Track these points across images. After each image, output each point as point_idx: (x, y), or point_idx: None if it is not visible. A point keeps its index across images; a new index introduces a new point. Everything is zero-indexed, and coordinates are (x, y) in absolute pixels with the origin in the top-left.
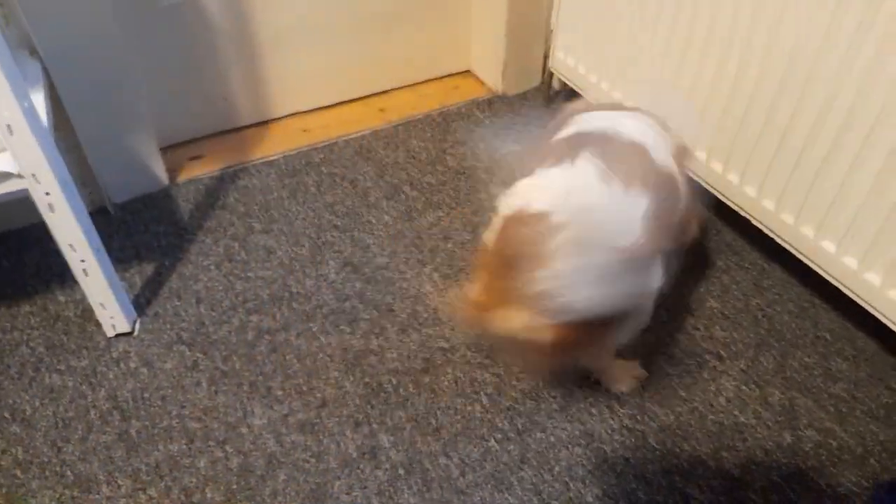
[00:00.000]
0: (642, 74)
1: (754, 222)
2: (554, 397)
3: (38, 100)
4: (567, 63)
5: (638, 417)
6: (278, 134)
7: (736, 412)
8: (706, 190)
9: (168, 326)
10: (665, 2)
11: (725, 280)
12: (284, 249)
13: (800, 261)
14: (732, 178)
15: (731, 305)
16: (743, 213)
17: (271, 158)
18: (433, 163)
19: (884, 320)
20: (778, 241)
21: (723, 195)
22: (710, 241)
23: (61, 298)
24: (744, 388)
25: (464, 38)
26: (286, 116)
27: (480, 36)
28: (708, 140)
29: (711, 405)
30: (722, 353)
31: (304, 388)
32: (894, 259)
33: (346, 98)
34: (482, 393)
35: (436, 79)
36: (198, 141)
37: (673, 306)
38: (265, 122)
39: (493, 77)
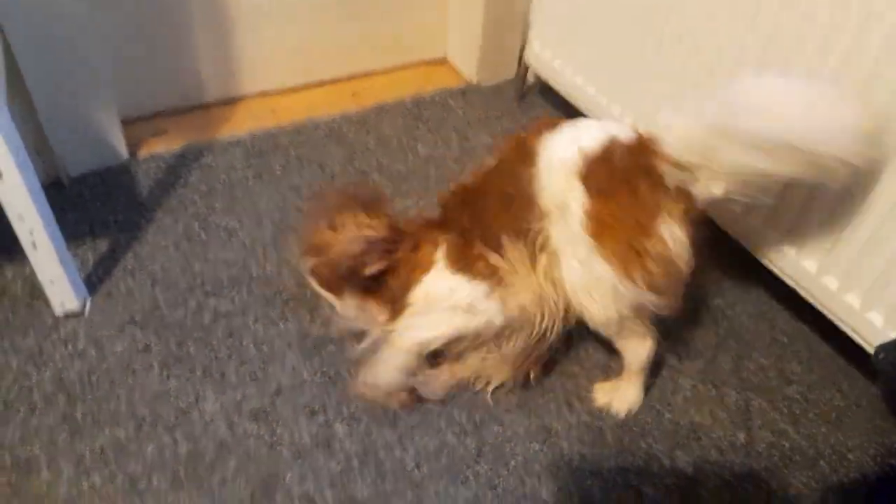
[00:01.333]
0: (618, 71)
1: (718, 223)
2: (513, 391)
3: None
4: (543, 56)
5: (596, 413)
6: (246, 113)
7: (692, 411)
8: None
9: (120, 307)
10: None
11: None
12: (246, 231)
13: (760, 263)
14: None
15: (690, 305)
16: (710, 214)
17: (237, 138)
18: (404, 150)
19: (839, 324)
20: (742, 242)
21: None
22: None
23: (8, 273)
24: (701, 387)
25: (441, 25)
26: (255, 95)
27: (457, 24)
28: None
29: (669, 404)
30: (681, 352)
31: (260, 375)
32: (851, 263)
33: (318, 79)
34: None
35: (411, 65)
36: (161, 115)
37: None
38: (233, 100)
39: (468, 66)
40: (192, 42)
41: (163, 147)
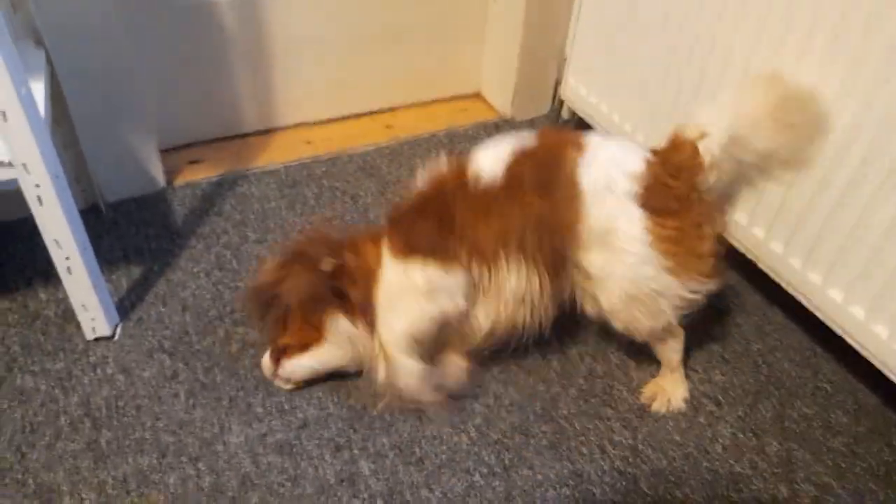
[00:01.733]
0: (656, 111)
1: (760, 265)
2: (544, 433)
3: (38, 89)
4: (579, 92)
5: (630, 460)
6: (281, 144)
7: (731, 461)
8: None
9: (150, 333)
10: (682, 37)
11: (726, 322)
12: None
13: (804, 307)
14: (740, 218)
15: (731, 349)
16: (749, 256)
17: (272, 168)
18: None
19: (888, 374)
20: (783, 285)
21: (730, 235)
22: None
23: (42, 296)
24: (741, 435)
25: (475, 59)
26: (291, 126)
27: (493, 59)
28: None
29: (707, 451)
30: (720, 397)
31: (286, 407)
32: None
33: (352, 112)
34: (470, 423)
35: (445, 99)
36: (199, 145)
37: None
38: (269, 131)
39: (502, 101)
40: (230, 73)
41: (199, 176)
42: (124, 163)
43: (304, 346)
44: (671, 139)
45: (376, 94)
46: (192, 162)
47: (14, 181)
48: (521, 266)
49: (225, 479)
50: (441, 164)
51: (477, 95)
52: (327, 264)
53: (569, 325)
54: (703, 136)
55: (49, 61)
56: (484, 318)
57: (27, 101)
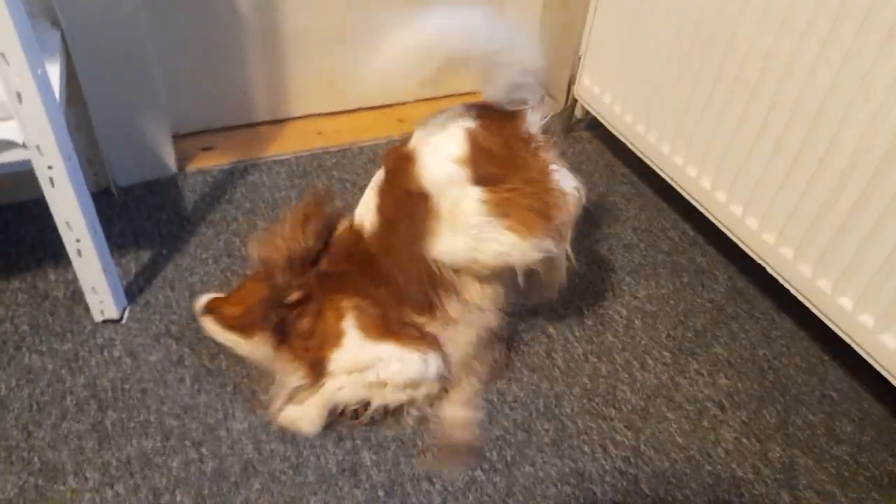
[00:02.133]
0: (672, 113)
1: (769, 270)
2: (546, 430)
3: (53, 71)
4: (593, 91)
5: (631, 460)
6: (293, 134)
7: (734, 465)
8: None
9: (157, 317)
10: (699, 37)
11: (734, 327)
12: None
13: (812, 314)
14: (751, 222)
15: (737, 354)
16: (758, 260)
17: (283, 157)
18: None
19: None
20: (792, 291)
21: (739, 239)
22: (721, 286)
23: (52, 277)
24: (744, 440)
25: None
26: (302, 117)
27: None
28: (728, 182)
29: (709, 455)
30: (724, 402)
31: None
32: None
33: (364, 105)
34: (472, 419)
35: (457, 94)
36: (211, 132)
37: (677, 348)
38: (281, 121)
39: None
40: (244, 62)
41: (210, 163)
42: (137, 147)
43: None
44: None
45: (388, 88)
46: (205, 149)
47: (27, 162)
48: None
49: (228, 464)
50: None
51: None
52: (293, 297)
53: (574, 324)
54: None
55: (64, 42)
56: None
57: (42, 83)
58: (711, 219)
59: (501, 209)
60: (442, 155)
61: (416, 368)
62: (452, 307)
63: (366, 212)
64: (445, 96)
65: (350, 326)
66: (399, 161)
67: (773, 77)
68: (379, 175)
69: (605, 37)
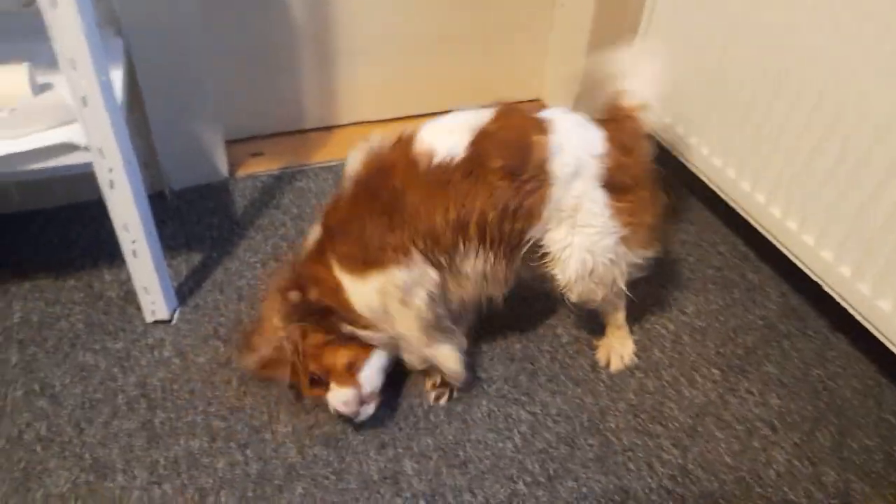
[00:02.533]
0: (727, 120)
1: (826, 288)
2: (591, 445)
3: (117, 77)
4: None
5: (679, 479)
6: (341, 141)
7: (786, 488)
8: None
9: (206, 319)
10: (756, 44)
11: (786, 346)
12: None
13: (870, 334)
14: (807, 238)
15: (789, 373)
16: (814, 277)
17: (331, 164)
18: None
19: None
20: (850, 310)
21: (794, 255)
22: (773, 303)
23: (107, 278)
24: (796, 463)
25: (538, 66)
26: (350, 125)
27: (556, 65)
28: (784, 197)
29: (760, 477)
30: (776, 422)
31: None
32: None
33: (412, 113)
34: (516, 430)
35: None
36: (261, 138)
37: (727, 366)
38: (329, 128)
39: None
40: (296, 71)
41: (260, 168)
42: (191, 152)
43: (353, 359)
44: (612, 112)
45: (436, 97)
46: (255, 154)
47: (88, 164)
48: (480, 251)
49: (272, 466)
50: (380, 144)
51: (537, 102)
52: (294, 296)
53: None
54: (641, 107)
55: (127, 51)
56: (453, 289)
57: (106, 88)
58: (765, 234)
59: (624, 219)
60: (584, 144)
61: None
62: (471, 264)
63: (444, 141)
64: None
65: (338, 272)
66: (524, 123)
67: (834, 95)
68: (481, 116)
69: (657, 48)
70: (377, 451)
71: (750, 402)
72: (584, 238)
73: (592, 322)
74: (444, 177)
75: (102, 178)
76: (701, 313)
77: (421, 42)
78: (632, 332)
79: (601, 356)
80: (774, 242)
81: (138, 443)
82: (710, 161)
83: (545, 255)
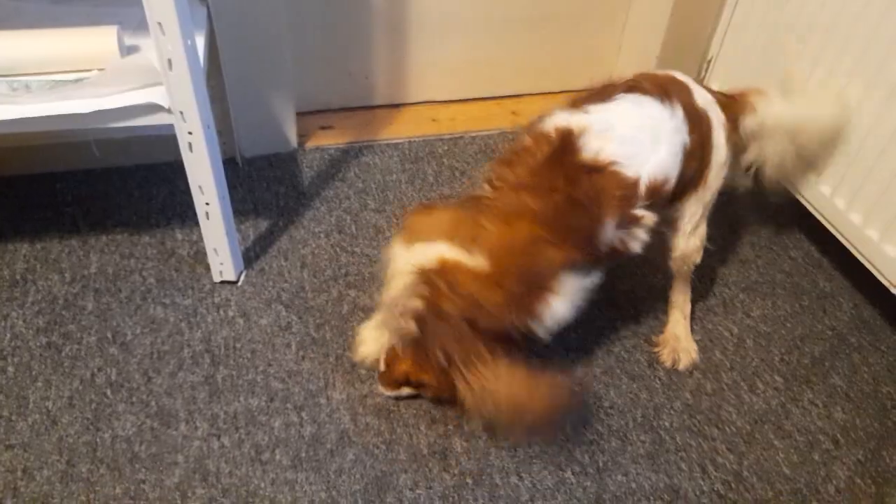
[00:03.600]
0: None
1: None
2: (643, 441)
3: (200, 43)
4: None
5: (732, 485)
6: (408, 119)
7: None
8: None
9: (270, 284)
10: (843, 44)
11: (856, 359)
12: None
13: None
14: (888, 249)
15: (857, 388)
16: (892, 289)
17: (397, 141)
18: None
19: None
20: None
21: (871, 264)
22: (845, 314)
23: (179, 236)
24: (858, 480)
25: (612, 53)
26: (419, 103)
27: (630, 53)
28: (865, 203)
29: (818, 491)
30: (839, 437)
31: None
32: None
33: (480, 95)
34: (566, 419)
35: (573, 91)
36: (331, 112)
37: (791, 374)
38: (397, 105)
39: None
40: (369, 45)
41: (328, 141)
42: (263, 121)
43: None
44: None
45: (506, 80)
46: (323, 128)
47: (169, 126)
48: None
49: (325, 431)
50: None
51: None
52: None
53: None
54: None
55: (209, 18)
56: None
57: (191, 53)
58: (842, 240)
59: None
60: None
61: None
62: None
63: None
64: (564, 91)
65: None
66: (684, 92)
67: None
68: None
69: (740, 39)
70: (428, 427)
71: (813, 414)
72: (715, 165)
73: (651, 318)
74: None
75: (182, 141)
76: (767, 318)
77: (493, 23)
78: (692, 331)
79: (665, 354)
80: (851, 250)
81: (201, 395)
82: None
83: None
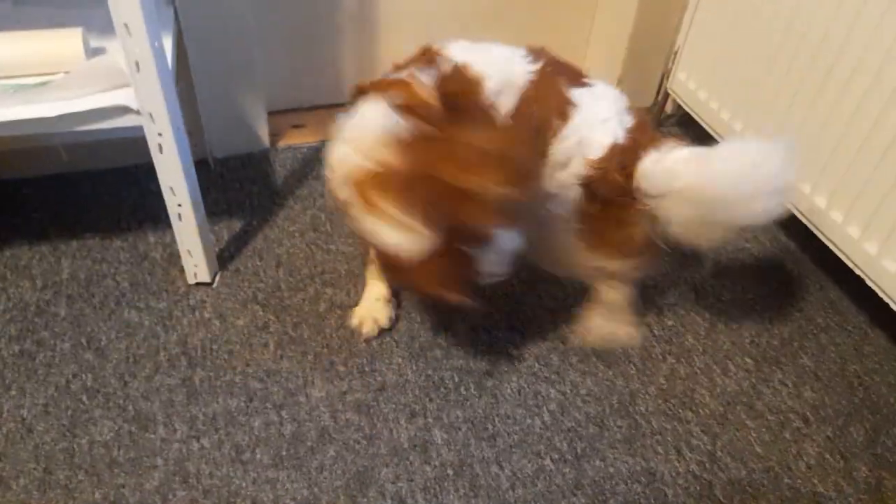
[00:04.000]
0: (772, 108)
1: (869, 282)
2: (619, 427)
3: (167, 44)
4: (687, 86)
5: (706, 465)
6: None
7: (815, 480)
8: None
9: (246, 284)
10: (807, 37)
11: (823, 339)
12: None
13: None
14: (852, 231)
15: (825, 367)
16: (857, 271)
17: None
18: None
19: None
20: (892, 305)
21: (838, 248)
22: (812, 296)
23: (151, 239)
24: (828, 456)
25: (580, 45)
26: None
27: (599, 45)
28: (830, 187)
29: (790, 468)
30: (809, 415)
31: (367, 369)
32: None
33: None
34: (545, 408)
35: None
36: (302, 111)
37: (761, 356)
38: None
39: None
40: (339, 43)
41: (300, 140)
42: (234, 121)
43: None
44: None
45: None
46: (296, 126)
47: (139, 128)
48: None
49: (305, 429)
50: None
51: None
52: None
53: (653, 323)
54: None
55: (177, 18)
56: None
57: (158, 54)
58: (807, 223)
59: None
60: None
61: None
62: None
63: None
64: None
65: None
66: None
67: (880, 78)
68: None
69: (705, 29)
70: (408, 420)
71: (783, 394)
72: None
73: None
74: None
75: (152, 142)
76: (737, 302)
77: (460, 16)
78: (664, 316)
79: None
80: (816, 233)
81: (178, 398)
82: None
83: None
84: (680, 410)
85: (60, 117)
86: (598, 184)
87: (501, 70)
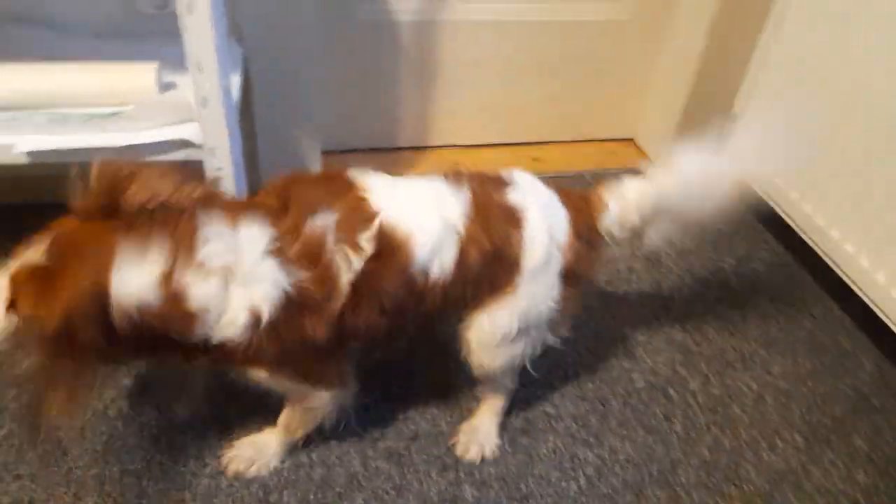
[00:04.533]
0: (831, 176)
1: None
2: (658, 498)
3: (235, 83)
4: None
5: None
6: (431, 162)
7: None
8: None
9: None
10: (858, 103)
11: (878, 421)
12: None
13: None
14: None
15: (880, 451)
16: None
17: None
18: None
19: None
20: None
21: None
22: (867, 374)
23: None
24: None
25: (633, 106)
26: (442, 146)
27: (654, 106)
28: (890, 260)
29: None
30: (861, 500)
31: (400, 417)
32: None
33: (503, 140)
34: (581, 472)
35: (596, 140)
36: (356, 152)
37: (811, 434)
38: (421, 148)
39: (656, 151)
40: (395, 89)
41: None
42: (290, 159)
43: None
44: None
45: (528, 126)
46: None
47: (199, 162)
48: None
49: (335, 474)
50: None
51: (630, 141)
52: None
53: (698, 391)
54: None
55: (244, 58)
56: None
57: (226, 93)
58: (866, 300)
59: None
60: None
61: None
62: None
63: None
64: (585, 141)
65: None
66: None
67: None
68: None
69: (767, 95)
70: (438, 473)
71: (834, 476)
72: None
73: (668, 369)
74: None
75: (210, 175)
76: (787, 375)
77: (518, 70)
78: (710, 384)
79: (459, 444)
80: (875, 309)
81: (211, 432)
82: (813, 219)
83: None
84: (723, 485)
85: (127, 147)
86: (580, 263)
87: (435, 229)
